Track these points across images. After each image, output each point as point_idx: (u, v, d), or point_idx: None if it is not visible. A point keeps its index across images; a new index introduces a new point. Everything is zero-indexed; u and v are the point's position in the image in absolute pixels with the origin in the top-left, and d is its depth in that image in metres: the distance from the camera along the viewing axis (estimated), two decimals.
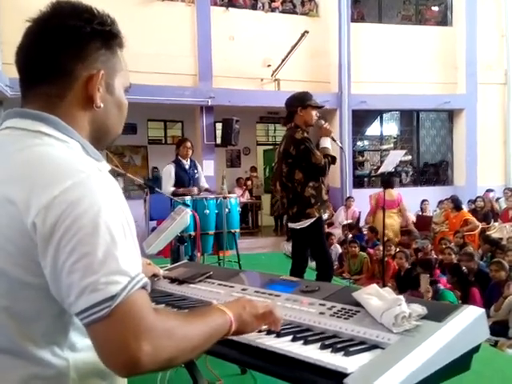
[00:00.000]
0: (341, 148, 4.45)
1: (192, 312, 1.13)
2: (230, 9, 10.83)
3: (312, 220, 3.93)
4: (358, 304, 1.32)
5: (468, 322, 1.18)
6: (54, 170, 0.88)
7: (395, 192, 8.90)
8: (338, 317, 1.28)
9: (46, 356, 0.91)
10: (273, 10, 11.35)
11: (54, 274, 0.85)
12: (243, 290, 1.60)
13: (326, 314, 1.31)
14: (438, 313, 1.19)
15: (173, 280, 1.82)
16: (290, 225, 4.12)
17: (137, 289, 0.86)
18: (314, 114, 4.08)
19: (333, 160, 4.02)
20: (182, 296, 1.66)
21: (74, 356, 0.94)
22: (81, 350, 0.94)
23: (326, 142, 4.09)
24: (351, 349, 1.09)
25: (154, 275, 1.82)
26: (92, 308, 0.83)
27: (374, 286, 1.35)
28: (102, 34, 1.02)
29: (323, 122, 4.18)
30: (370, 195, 9.38)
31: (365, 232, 9.11)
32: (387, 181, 9.37)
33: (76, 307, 0.84)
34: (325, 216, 4.08)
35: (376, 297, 1.28)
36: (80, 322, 0.86)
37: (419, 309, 1.18)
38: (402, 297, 1.23)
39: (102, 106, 1.02)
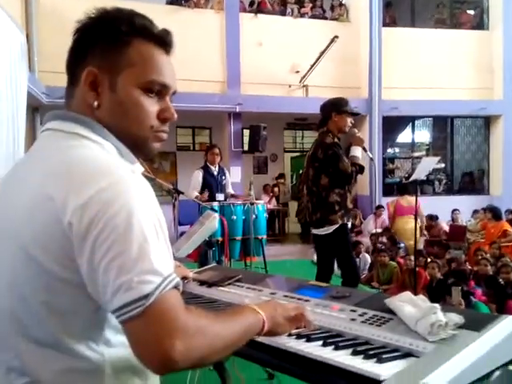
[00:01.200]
0: (371, 159, 4.39)
1: (225, 311, 1.14)
2: (258, 15, 10.84)
3: (335, 227, 3.89)
4: (390, 311, 1.28)
5: (507, 332, 1.13)
6: (89, 171, 0.91)
7: (413, 199, 8.78)
8: (369, 323, 1.25)
9: (82, 350, 0.93)
10: (302, 15, 11.29)
11: (90, 273, 0.87)
12: (272, 293, 1.58)
13: (358, 321, 1.28)
14: (476, 322, 1.15)
15: (202, 283, 1.82)
16: (314, 231, 4.09)
17: (169, 288, 0.87)
18: (349, 121, 4.04)
19: (361, 170, 3.97)
20: (212, 298, 1.65)
21: (109, 351, 0.96)
22: (115, 345, 0.97)
23: (356, 151, 4.05)
24: (384, 356, 1.06)
25: (184, 277, 1.83)
26: (126, 306, 0.84)
27: (408, 294, 1.31)
28: (105, 30, 1.02)
29: (356, 130, 4.15)
30: (388, 202, 9.28)
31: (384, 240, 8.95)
32: (403, 187, 9.31)
33: (111, 305, 0.86)
34: (349, 224, 4.03)
35: (410, 304, 1.24)
36: (116, 319, 0.88)
37: (456, 318, 1.14)
38: (437, 305, 1.19)
39: (96, 103, 1.01)
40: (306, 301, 1.46)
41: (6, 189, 1.05)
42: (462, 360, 1.02)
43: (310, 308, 1.40)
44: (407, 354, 1.09)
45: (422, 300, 1.26)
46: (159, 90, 1.05)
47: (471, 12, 12.23)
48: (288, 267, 7.92)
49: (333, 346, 1.14)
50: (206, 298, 1.67)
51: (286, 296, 1.53)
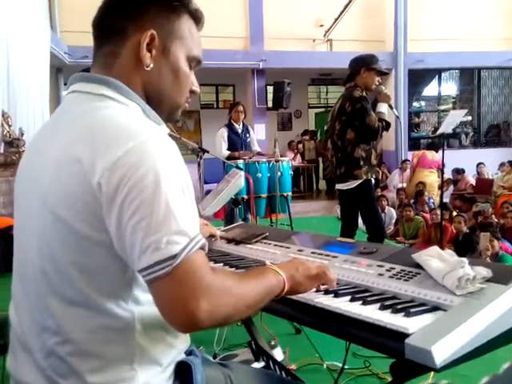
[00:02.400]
0: (397, 117, 4.32)
1: (247, 272, 1.16)
2: None
3: (359, 181, 3.88)
4: (417, 266, 1.29)
5: None
6: (116, 132, 0.91)
7: (437, 155, 8.79)
8: (397, 278, 1.26)
9: (112, 308, 0.95)
10: None
11: (119, 233, 0.88)
12: (299, 250, 1.59)
13: (385, 276, 1.29)
14: (504, 275, 1.15)
15: (230, 240, 1.84)
16: (337, 186, 4.09)
17: (196, 249, 0.89)
18: (377, 79, 3.99)
19: (387, 126, 3.92)
20: (240, 256, 1.68)
21: (139, 309, 0.97)
22: (144, 304, 0.98)
23: (382, 107, 3.99)
24: (412, 310, 1.07)
25: (212, 235, 1.86)
26: (154, 266, 0.86)
27: (435, 248, 1.31)
28: None
29: (383, 87, 4.08)
30: (413, 153, 9.23)
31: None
32: (432, 144, 9.28)
33: (139, 265, 0.88)
34: (372, 180, 4.01)
35: (437, 259, 1.25)
36: (142, 278, 0.89)
37: (484, 271, 1.14)
38: (465, 259, 1.19)
39: (151, 65, 1.04)
40: (334, 257, 1.48)
41: (32, 152, 1.07)
42: (489, 313, 1.03)
43: (338, 264, 1.42)
44: (435, 308, 1.10)
45: (449, 254, 1.26)
46: (195, 65, 1.13)
47: None
48: (313, 223, 7.96)
49: (361, 301, 1.16)
50: (235, 255, 1.69)
51: (313, 253, 1.55)
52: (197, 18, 1.11)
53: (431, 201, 8.22)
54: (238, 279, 0.99)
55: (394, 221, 7.86)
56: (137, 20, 1.03)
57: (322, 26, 10.51)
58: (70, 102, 1.05)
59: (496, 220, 6.50)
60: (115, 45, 1.04)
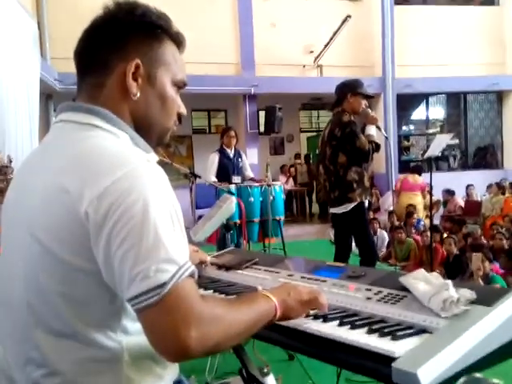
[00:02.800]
0: (386, 138, 4.38)
1: (238, 298, 1.16)
2: None
3: (353, 204, 3.90)
4: (404, 289, 1.31)
5: None
6: (104, 161, 0.92)
7: (420, 178, 9.14)
8: (385, 302, 1.28)
9: (100, 339, 0.94)
10: None
11: (107, 262, 0.88)
12: (289, 275, 1.61)
13: (373, 299, 1.31)
14: (488, 297, 1.17)
15: (220, 266, 1.85)
16: (332, 210, 4.10)
17: (185, 277, 0.89)
18: (363, 103, 4.06)
19: (377, 148, 3.98)
20: (230, 282, 1.69)
21: (128, 339, 0.97)
22: (133, 333, 0.97)
23: (371, 130, 4.06)
24: (399, 333, 1.09)
25: (202, 262, 1.86)
26: (142, 295, 0.86)
27: (421, 271, 1.34)
28: (144, 26, 1.05)
29: (370, 110, 4.15)
30: (396, 179, 9.40)
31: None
32: (416, 167, 9.50)
33: (128, 294, 0.87)
34: (366, 202, 4.05)
35: (423, 281, 1.27)
36: (131, 307, 0.89)
37: (468, 293, 1.16)
38: (449, 281, 1.21)
39: (138, 94, 1.04)
40: (323, 281, 1.50)
41: (20, 180, 1.07)
42: (473, 335, 1.05)
43: (327, 288, 1.44)
44: (421, 331, 1.12)
45: (435, 277, 1.29)
46: (180, 88, 1.13)
47: None
48: (307, 247, 7.96)
49: (349, 326, 1.17)
50: (224, 281, 1.70)
51: (303, 277, 1.56)
52: (178, 41, 1.12)
53: (421, 223, 8.26)
54: (228, 306, 0.98)
55: (386, 243, 7.88)
56: (121, 51, 1.03)
57: (311, 52, 10.68)
58: (58, 131, 1.05)
59: (485, 241, 6.54)
60: (100, 76, 1.04)
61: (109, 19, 1.04)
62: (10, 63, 5.68)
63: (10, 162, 5.82)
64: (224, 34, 10.18)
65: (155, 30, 1.07)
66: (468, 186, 10.05)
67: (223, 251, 2.12)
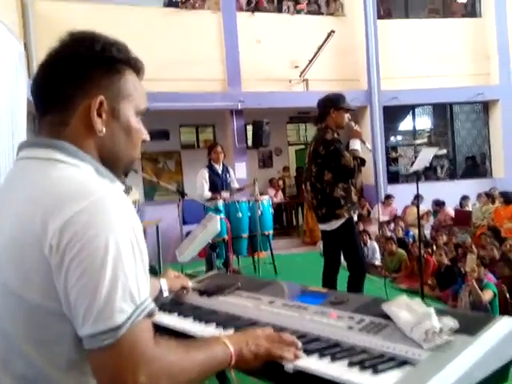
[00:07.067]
0: (370, 151, 4.37)
1: (194, 343, 1.11)
2: (255, 13, 10.79)
3: (342, 221, 3.89)
4: (387, 316, 1.28)
5: (503, 334, 1.13)
6: (67, 193, 0.90)
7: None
8: (367, 331, 1.25)
9: (69, 382, 0.92)
10: (298, 11, 11.25)
11: (65, 293, 0.86)
12: (271, 302, 1.57)
13: (355, 329, 1.27)
14: (471, 325, 1.15)
15: (202, 292, 1.81)
16: (321, 226, 4.09)
17: (142, 318, 0.87)
18: (346, 116, 4.05)
19: (362, 163, 3.97)
20: (211, 310, 1.65)
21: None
22: None
23: (355, 144, 4.05)
24: (380, 366, 1.06)
25: (184, 288, 1.82)
26: (96, 336, 0.84)
27: (404, 298, 1.31)
28: (104, 60, 1.02)
29: (353, 123, 4.14)
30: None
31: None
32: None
33: (81, 331, 0.86)
34: (354, 217, 4.03)
35: (405, 309, 1.24)
36: (84, 345, 0.87)
37: (450, 322, 1.13)
38: (432, 309, 1.19)
39: (104, 131, 1.02)
40: (304, 309, 1.46)
41: None
42: (456, 367, 1.02)
43: (309, 316, 1.40)
44: (403, 363, 1.09)
45: (417, 304, 1.26)
46: (143, 115, 1.12)
47: (463, 0, 12.16)
48: (296, 261, 7.92)
49: (329, 358, 1.14)
50: (205, 309, 1.66)
51: (284, 305, 1.53)
52: (137, 68, 1.10)
53: (410, 233, 8.27)
54: (181, 353, 0.97)
55: (376, 254, 7.85)
56: (83, 87, 1.01)
57: (297, 67, 10.71)
58: (19, 169, 1.02)
59: (476, 251, 6.55)
60: (62, 114, 1.01)
61: (69, 55, 1.01)
62: None
63: None
64: (210, 52, 10.19)
65: (116, 64, 1.04)
66: (463, 198, 10.06)
67: (206, 276, 2.09)
